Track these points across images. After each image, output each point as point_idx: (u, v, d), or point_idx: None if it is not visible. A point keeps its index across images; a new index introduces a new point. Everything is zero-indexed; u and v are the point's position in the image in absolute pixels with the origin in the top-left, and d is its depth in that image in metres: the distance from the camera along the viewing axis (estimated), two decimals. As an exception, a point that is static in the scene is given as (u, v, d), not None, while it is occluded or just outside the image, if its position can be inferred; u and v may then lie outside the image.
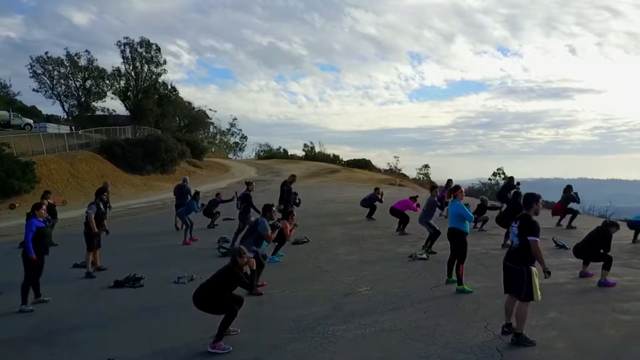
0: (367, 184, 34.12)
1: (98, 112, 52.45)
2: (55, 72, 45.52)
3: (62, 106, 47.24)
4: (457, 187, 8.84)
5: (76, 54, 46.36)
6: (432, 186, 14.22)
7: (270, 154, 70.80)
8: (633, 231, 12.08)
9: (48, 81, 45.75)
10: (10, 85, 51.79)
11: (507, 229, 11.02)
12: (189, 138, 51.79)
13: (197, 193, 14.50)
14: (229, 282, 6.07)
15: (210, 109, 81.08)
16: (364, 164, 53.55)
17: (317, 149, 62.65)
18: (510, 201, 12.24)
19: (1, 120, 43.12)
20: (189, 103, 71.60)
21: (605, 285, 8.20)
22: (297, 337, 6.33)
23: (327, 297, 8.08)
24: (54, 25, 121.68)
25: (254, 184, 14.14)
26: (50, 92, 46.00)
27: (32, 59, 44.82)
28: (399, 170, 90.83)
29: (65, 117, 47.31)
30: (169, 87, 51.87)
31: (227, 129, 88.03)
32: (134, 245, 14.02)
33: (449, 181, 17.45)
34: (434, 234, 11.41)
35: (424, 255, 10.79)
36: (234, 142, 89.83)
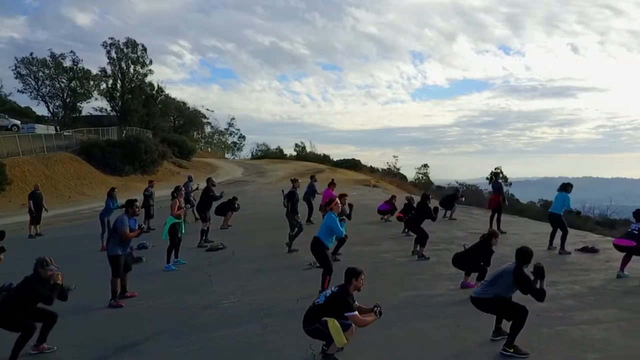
0: (341, 185, 33.76)
1: (96, 113, 52.66)
2: (40, 73, 45.58)
3: (47, 107, 47.40)
4: (333, 200, 8.43)
5: (61, 55, 46.45)
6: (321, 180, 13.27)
7: (264, 154, 70.60)
8: None
9: (33, 82, 45.86)
10: (2, 86, 51.95)
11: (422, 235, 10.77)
12: (177, 138, 51.74)
13: (112, 189, 14.21)
14: (25, 295, 5.72)
15: (207, 109, 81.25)
16: (353, 164, 53.08)
17: (308, 149, 62.29)
18: (418, 207, 11.83)
19: (-13, 121, 43.42)
20: (184, 103, 71.88)
21: (466, 286, 7.92)
22: (111, 355, 6.00)
23: (186, 309, 7.75)
24: (57, 26, 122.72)
25: (299, 181, 13.78)
26: (36, 93, 46.12)
27: (16, 60, 45.07)
28: (398, 169, 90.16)
29: (52, 118, 47.38)
30: (156, 87, 51.72)
31: (225, 128, 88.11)
32: (62, 250, 13.73)
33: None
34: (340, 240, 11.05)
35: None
36: (232, 142, 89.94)
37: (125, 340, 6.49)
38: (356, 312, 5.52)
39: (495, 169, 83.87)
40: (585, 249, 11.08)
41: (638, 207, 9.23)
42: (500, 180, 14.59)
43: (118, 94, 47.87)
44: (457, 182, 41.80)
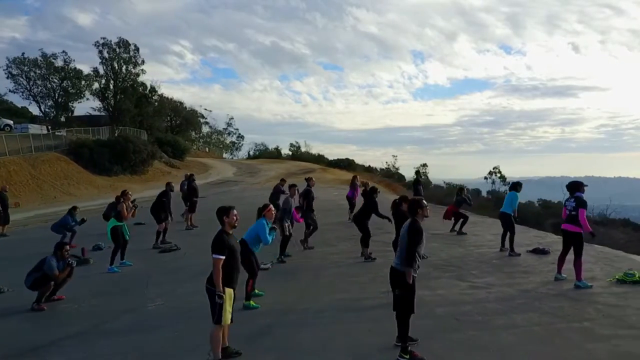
0: (329, 184, 33.71)
1: (95, 113, 52.77)
2: (32, 73, 45.69)
3: (39, 107, 47.54)
4: (267, 206, 8.31)
5: (52, 55, 46.55)
6: (291, 185, 12.96)
7: (261, 154, 70.54)
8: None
9: (24, 82, 45.98)
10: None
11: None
12: (170, 138, 51.79)
13: (73, 208, 14.04)
14: None
15: (205, 109, 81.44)
16: (346, 164, 52.95)
17: (303, 149, 62.22)
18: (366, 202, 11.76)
19: (-21, 121, 43.58)
20: (180, 103, 71.96)
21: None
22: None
23: (106, 313, 7.66)
24: (58, 27, 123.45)
25: (313, 179, 13.98)
26: (27, 92, 46.25)
27: (8, 60, 45.19)
28: (397, 169, 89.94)
29: (45, 117, 47.47)
30: (149, 87, 51.74)
31: (223, 128, 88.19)
32: (19, 252, 13.69)
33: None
34: (284, 240, 10.98)
35: (267, 265, 10.28)
36: (230, 142, 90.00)
37: (31, 343, 6.40)
38: (222, 258, 5.31)
39: (494, 168, 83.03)
40: (536, 250, 10.92)
41: None
42: (464, 196, 14.43)
43: (110, 93, 47.93)
44: (444, 182, 41.71)
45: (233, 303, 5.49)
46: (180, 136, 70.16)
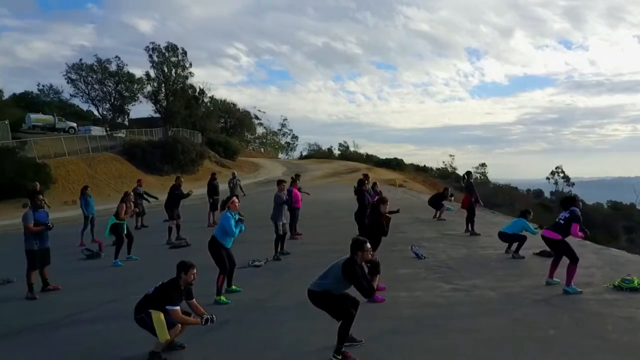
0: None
1: (156, 116, 55.33)
2: (89, 78, 48.48)
3: (97, 110, 50.37)
4: (229, 198, 8.40)
5: (107, 60, 49.17)
6: (279, 180, 12.78)
7: (314, 154, 71.18)
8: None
9: (83, 86, 48.88)
10: (62, 91, 55.70)
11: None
12: (222, 139, 53.27)
13: (85, 187, 14.88)
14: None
15: (259, 110, 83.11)
16: (395, 164, 52.38)
17: (352, 149, 62.13)
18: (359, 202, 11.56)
19: (47, 124, 46.66)
20: (234, 105, 73.89)
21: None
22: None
23: (78, 304, 8.05)
24: (121, 33, 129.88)
25: (369, 176, 13.95)
26: (86, 96, 49.13)
27: (67, 66, 48.22)
28: (454, 169, 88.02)
29: (103, 120, 50.21)
30: (198, 89, 53.47)
31: (278, 129, 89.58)
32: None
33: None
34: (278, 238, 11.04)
35: (261, 262, 10.38)
36: (285, 142, 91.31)
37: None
38: (178, 308, 5.50)
39: (556, 168, 79.01)
40: (543, 253, 10.31)
41: None
42: (472, 180, 13.92)
43: (162, 96, 49.95)
44: (505, 183, 40.23)
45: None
46: (234, 137, 72.16)
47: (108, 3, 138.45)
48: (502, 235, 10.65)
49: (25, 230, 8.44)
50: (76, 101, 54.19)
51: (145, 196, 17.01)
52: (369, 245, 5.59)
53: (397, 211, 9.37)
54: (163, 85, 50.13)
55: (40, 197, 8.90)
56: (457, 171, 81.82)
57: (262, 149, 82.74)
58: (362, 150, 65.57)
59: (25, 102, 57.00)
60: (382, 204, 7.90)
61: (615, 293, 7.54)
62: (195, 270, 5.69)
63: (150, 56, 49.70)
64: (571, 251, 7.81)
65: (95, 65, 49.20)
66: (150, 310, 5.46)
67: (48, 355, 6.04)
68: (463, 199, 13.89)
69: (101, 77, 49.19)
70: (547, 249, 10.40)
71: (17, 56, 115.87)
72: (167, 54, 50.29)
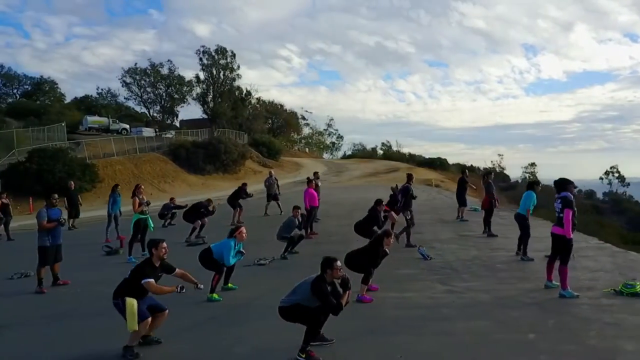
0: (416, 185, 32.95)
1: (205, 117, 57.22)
2: (142, 81, 50.63)
3: (148, 111, 52.42)
4: (238, 228, 8.57)
5: (160, 64, 51.15)
6: (294, 207, 12.44)
7: (356, 153, 71.03)
8: None
9: (136, 89, 51.10)
10: (119, 94, 58.40)
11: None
12: (265, 139, 54.13)
13: (116, 186, 15.73)
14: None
15: (306, 110, 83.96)
16: (438, 164, 51.39)
17: (394, 148, 61.56)
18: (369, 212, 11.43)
19: (102, 125, 49.11)
20: (281, 106, 74.92)
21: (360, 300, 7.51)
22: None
23: (86, 298, 8.45)
24: (180, 38, 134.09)
25: (413, 175, 13.78)
26: (139, 99, 51.32)
27: (123, 70, 50.55)
28: (503, 169, 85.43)
29: (154, 121, 52.16)
30: (245, 91, 54.61)
31: (324, 129, 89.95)
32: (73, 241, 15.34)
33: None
34: (291, 240, 11.20)
35: (266, 262, 10.59)
36: (330, 142, 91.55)
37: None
38: (152, 280, 5.74)
39: (611, 167, 75.37)
40: (554, 256, 9.95)
41: None
42: (491, 180, 13.52)
43: (210, 97, 51.42)
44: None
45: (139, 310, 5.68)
46: (281, 137, 73.15)
47: (168, 8, 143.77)
48: (518, 217, 10.30)
49: (39, 227, 8.98)
50: (130, 104, 56.63)
51: (175, 210, 17.47)
52: (339, 263, 5.65)
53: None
54: (211, 87, 51.56)
55: (55, 195, 9.40)
56: (505, 171, 79.64)
57: (307, 149, 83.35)
58: (405, 150, 64.91)
59: (85, 105, 60.28)
60: (386, 238, 7.78)
61: (614, 298, 7.23)
62: (165, 245, 5.95)
63: (200, 59, 51.29)
64: (569, 253, 7.52)
65: (148, 69, 51.34)
66: (125, 298, 5.70)
67: (43, 346, 6.39)
68: (483, 200, 13.55)
69: (153, 80, 51.21)
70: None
71: (83, 62, 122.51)
72: (216, 57, 51.73)
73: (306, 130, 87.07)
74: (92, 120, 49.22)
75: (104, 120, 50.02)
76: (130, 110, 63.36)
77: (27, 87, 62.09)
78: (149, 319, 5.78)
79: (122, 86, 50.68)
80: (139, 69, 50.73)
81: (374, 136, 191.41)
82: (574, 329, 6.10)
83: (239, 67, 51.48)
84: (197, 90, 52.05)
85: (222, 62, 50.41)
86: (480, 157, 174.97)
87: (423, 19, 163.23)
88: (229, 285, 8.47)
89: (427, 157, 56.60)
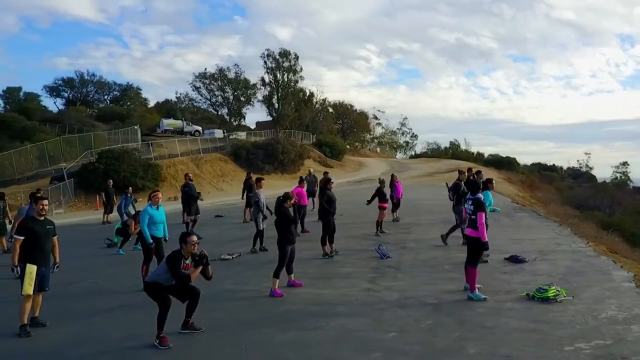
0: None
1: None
2: (211, 85, 53.37)
3: (217, 114, 55.04)
4: (155, 191, 9.25)
5: (227, 68, 53.66)
6: (257, 178, 13.24)
7: (424, 153, 69.79)
8: None
9: (206, 93, 53.96)
10: (195, 98, 61.94)
11: None
12: (329, 139, 54.83)
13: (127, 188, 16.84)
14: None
15: (378, 110, 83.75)
16: (506, 163, 49.13)
17: (463, 147, 59.61)
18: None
19: (176, 128, 52.47)
20: (351, 106, 75.25)
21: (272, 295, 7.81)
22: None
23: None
24: (263, 42, 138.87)
25: (465, 172, 13.29)
26: (209, 102, 54.15)
27: (194, 75, 53.57)
28: (590, 169, 79.76)
29: (221, 123, 54.78)
30: (308, 92, 55.65)
31: (397, 128, 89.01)
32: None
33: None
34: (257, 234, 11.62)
35: (229, 257, 11.09)
36: (404, 142, 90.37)
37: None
38: (22, 238, 6.48)
39: None
40: (512, 259, 9.55)
41: None
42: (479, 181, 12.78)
43: (275, 99, 53.07)
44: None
45: (36, 277, 6.43)
46: (350, 137, 73.59)
47: (251, 14, 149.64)
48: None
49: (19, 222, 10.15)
50: (201, 107, 59.78)
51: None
52: (194, 238, 6.05)
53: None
54: (275, 90, 53.24)
55: (41, 192, 10.63)
56: (592, 171, 74.16)
57: (378, 149, 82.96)
58: (481, 149, 62.96)
59: (166, 108, 64.64)
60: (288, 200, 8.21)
61: (523, 302, 6.95)
62: (46, 202, 6.77)
63: (265, 62, 53.15)
64: (478, 255, 7.31)
65: (216, 74, 54.12)
66: (27, 263, 6.37)
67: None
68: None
69: (220, 84, 53.89)
70: (518, 254, 9.73)
71: (175, 68, 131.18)
72: (280, 60, 53.35)
73: (379, 130, 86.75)
74: (168, 123, 52.62)
75: (178, 122, 53.30)
76: (207, 113, 66.99)
77: (116, 93, 67.73)
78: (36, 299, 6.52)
79: (192, 90, 53.78)
80: (207, 74, 53.63)
81: (455, 134, 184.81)
82: (443, 330, 6.00)
83: (301, 69, 52.75)
84: (264, 92, 53.98)
85: (286, 64, 51.85)
86: (571, 156, 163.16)
87: (506, 12, 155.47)
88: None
89: (493, 156, 54.40)
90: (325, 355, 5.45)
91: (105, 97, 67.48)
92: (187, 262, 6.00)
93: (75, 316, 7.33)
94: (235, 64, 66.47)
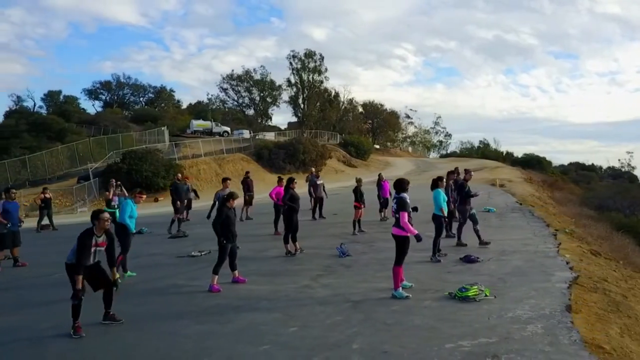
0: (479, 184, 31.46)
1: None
2: (238, 87, 54.40)
3: (244, 114, 55.99)
4: (136, 190, 9.65)
5: (254, 70, 54.57)
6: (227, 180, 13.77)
7: (456, 152, 68.71)
8: None
9: (233, 94, 55.02)
10: (226, 100, 63.31)
11: None
12: (354, 139, 54.89)
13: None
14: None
15: (410, 109, 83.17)
16: (535, 163, 47.77)
17: (493, 146, 58.38)
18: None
19: (205, 129, 53.77)
20: (381, 105, 74.99)
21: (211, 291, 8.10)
22: None
23: (30, 278, 10.08)
24: (300, 43, 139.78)
25: (472, 172, 13.43)
26: (236, 103, 55.13)
27: (222, 77, 54.75)
28: (633, 168, 76.61)
29: (249, 124, 55.68)
30: (333, 93, 55.84)
31: (431, 127, 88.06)
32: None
33: None
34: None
35: (197, 254, 11.45)
36: (437, 141, 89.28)
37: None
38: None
39: None
40: (465, 258, 9.51)
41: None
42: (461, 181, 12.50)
43: (300, 100, 53.55)
44: None
45: None
46: (382, 137, 73.36)
47: (288, 16, 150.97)
48: (433, 218, 10.19)
49: None
50: (228, 107, 60.96)
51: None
52: (106, 215, 6.40)
53: None
54: (300, 90, 53.74)
55: (14, 190, 11.30)
56: (634, 170, 71.03)
57: (410, 148, 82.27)
58: (503, 148, 61.64)
59: (197, 109, 66.31)
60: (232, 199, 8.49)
61: (442, 301, 6.99)
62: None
63: (291, 63, 53.74)
64: (403, 254, 7.37)
65: (243, 76, 55.13)
66: None
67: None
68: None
69: (247, 85, 54.87)
70: (471, 255, 9.68)
71: (214, 70, 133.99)
72: (305, 61, 53.81)
73: (411, 129, 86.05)
74: (197, 123, 53.98)
75: (207, 123, 54.56)
76: (237, 114, 68.28)
77: (151, 95, 69.94)
78: None
79: (220, 92, 54.97)
80: (234, 75, 54.69)
81: (494, 133, 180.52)
82: (340, 326, 6.13)
83: (326, 69, 53.01)
84: (291, 93, 54.57)
85: (311, 65, 52.24)
86: (617, 155, 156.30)
87: (547, 8, 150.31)
88: (128, 273, 9.43)
89: (528, 155, 52.94)
90: (218, 347, 5.68)
91: (141, 99, 69.77)
92: (100, 239, 6.35)
93: (20, 307, 7.82)
94: (261, 65, 67.69)
